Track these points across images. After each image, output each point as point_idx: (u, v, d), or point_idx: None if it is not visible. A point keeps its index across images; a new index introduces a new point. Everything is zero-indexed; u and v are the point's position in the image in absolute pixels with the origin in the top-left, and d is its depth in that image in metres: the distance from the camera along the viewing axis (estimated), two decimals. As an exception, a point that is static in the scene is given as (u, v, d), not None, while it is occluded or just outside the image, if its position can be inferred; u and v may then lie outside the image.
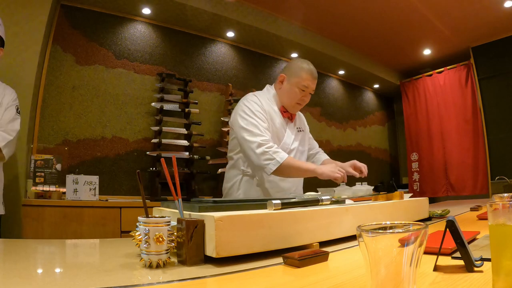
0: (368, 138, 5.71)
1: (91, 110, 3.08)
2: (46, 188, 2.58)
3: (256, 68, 4.29)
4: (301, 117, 1.93)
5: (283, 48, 4.35)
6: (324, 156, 2.01)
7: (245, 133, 1.58)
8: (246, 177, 1.72)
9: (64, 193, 2.53)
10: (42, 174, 2.60)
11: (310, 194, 1.26)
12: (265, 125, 1.60)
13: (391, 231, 0.39)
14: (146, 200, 0.92)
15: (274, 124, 1.68)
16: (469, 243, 0.75)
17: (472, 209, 1.84)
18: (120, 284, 0.63)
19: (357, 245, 0.41)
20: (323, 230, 0.97)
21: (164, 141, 3.23)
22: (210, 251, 0.77)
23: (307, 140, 1.90)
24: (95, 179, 2.58)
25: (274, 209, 0.92)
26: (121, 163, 3.17)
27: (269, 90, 1.79)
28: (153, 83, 3.44)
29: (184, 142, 3.37)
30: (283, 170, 1.53)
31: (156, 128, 3.25)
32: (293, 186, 1.81)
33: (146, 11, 3.37)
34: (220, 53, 3.99)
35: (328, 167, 1.53)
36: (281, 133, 1.71)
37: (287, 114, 1.75)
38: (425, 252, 0.50)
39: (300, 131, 1.83)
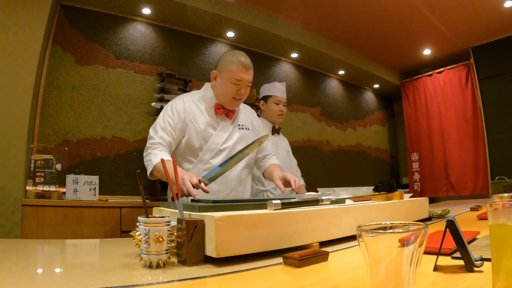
0: (368, 138, 5.71)
1: (91, 110, 3.08)
2: (46, 188, 2.58)
3: (256, 68, 4.23)
4: (248, 115, 1.81)
5: (283, 48, 4.35)
6: (272, 160, 1.85)
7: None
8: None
9: (64, 193, 2.53)
10: (42, 174, 2.59)
11: (310, 194, 1.26)
12: (168, 128, 1.54)
13: (391, 231, 0.39)
14: (146, 200, 0.92)
15: (197, 125, 1.60)
16: (469, 243, 0.75)
17: (472, 209, 1.84)
18: (120, 284, 0.63)
19: (357, 245, 0.41)
20: (323, 230, 0.97)
21: (164, 141, 3.23)
22: (210, 251, 0.77)
23: (253, 139, 1.73)
24: (95, 179, 2.58)
25: (274, 209, 0.92)
26: (121, 163, 3.17)
27: (205, 88, 1.71)
28: (153, 83, 3.44)
29: (184, 142, 3.37)
30: (156, 174, 1.46)
31: (156, 128, 3.25)
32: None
33: (146, 11, 3.37)
34: (220, 53, 3.98)
35: (191, 175, 1.27)
36: (208, 133, 1.61)
37: (222, 111, 1.64)
38: (425, 252, 0.50)
39: (243, 129, 1.71)
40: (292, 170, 2.50)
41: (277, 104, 2.39)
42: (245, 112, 1.80)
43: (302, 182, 2.64)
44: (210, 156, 1.59)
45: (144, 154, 1.54)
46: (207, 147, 1.59)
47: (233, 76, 1.56)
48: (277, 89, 2.44)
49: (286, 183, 1.58)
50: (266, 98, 2.44)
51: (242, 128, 1.71)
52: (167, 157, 1.46)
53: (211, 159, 1.59)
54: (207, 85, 1.71)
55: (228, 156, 1.59)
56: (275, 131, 2.46)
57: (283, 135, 2.61)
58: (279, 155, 2.33)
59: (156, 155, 1.46)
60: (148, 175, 1.52)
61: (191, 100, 1.65)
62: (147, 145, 1.54)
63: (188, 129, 1.59)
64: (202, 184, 1.27)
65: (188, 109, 1.61)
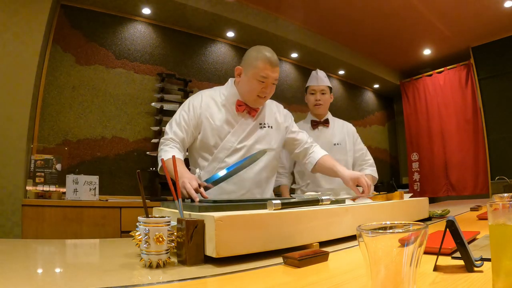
0: (368, 138, 5.70)
1: (91, 110, 3.08)
2: (46, 188, 2.58)
3: None
4: (272, 112, 1.68)
5: (283, 48, 4.35)
6: (320, 152, 1.70)
7: None
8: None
9: (64, 193, 2.53)
10: (42, 174, 2.59)
11: (310, 194, 1.26)
12: (182, 123, 1.51)
13: (391, 231, 0.39)
14: (146, 200, 0.91)
15: (213, 122, 1.54)
16: (469, 243, 0.75)
17: (472, 209, 1.84)
18: (120, 284, 0.63)
19: (357, 245, 0.41)
20: (323, 230, 0.97)
21: (164, 141, 3.23)
22: (210, 251, 0.77)
23: (277, 138, 1.66)
24: (95, 179, 2.58)
25: (274, 209, 0.91)
26: (121, 163, 3.17)
27: (227, 84, 1.64)
28: (153, 83, 3.44)
29: (184, 142, 3.36)
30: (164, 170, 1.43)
31: (156, 128, 3.25)
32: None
33: (146, 11, 3.37)
34: (220, 53, 3.99)
35: (191, 178, 1.25)
36: (224, 131, 1.54)
37: (244, 108, 1.56)
38: (425, 252, 0.50)
39: (265, 127, 1.62)
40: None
41: (312, 94, 2.25)
42: (270, 109, 1.68)
43: (369, 171, 2.29)
44: (225, 154, 1.53)
45: (158, 149, 1.54)
46: (223, 145, 1.53)
47: (259, 73, 1.47)
48: (311, 78, 2.31)
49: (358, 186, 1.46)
50: (306, 89, 2.32)
51: (265, 127, 1.61)
52: (177, 154, 1.43)
53: (226, 157, 1.52)
54: (230, 81, 1.63)
55: (244, 156, 1.53)
56: (316, 124, 2.27)
57: (338, 125, 2.38)
58: None
59: (166, 152, 1.45)
60: (158, 170, 1.53)
61: (209, 96, 1.59)
62: (161, 140, 1.53)
63: (203, 125, 1.53)
64: (202, 189, 1.25)
65: (205, 105, 1.55)
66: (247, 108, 1.56)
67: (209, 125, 1.53)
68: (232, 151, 1.53)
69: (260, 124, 1.60)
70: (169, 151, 1.44)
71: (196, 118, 1.53)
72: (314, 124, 2.28)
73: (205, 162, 1.56)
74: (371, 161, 2.38)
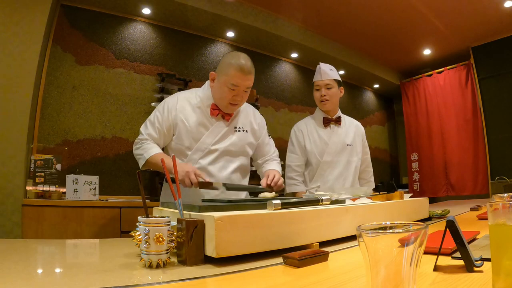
0: (368, 138, 5.67)
1: (91, 110, 3.08)
2: (46, 188, 2.58)
3: (256, 68, 4.21)
4: (248, 116, 1.69)
5: (283, 48, 4.35)
6: (270, 166, 1.71)
7: None
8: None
9: (64, 193, 2.53)
10: (42, 174, 2.59)
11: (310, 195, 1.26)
12: (156, 125, 1.54)
13: (391, 231, 0.39)
14: (146, 200, 0.92)
15: (188, 124, 1.54)
16: (469, 243, 0.75)
17: (472, 209, 1.84)
18: (120, 284, 0.63)
19: (357, 245, 0.41)
20: (323, 230, 0.97)
21: (164, 141, 3.23)
22: (210, 251, 0.77)
23: (250, 143, 1.66)
24: (95, 179, 2.58)
25: (274, 209, 0.91)
26: (121, 163, 3.17)
27: (204, 86, 1.65)
28: (153, 83, 3.44)
29: (184, 142, 3.37)
30: (152, 166, 1.50)
31: (156, 128, 3.25)
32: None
33: (146, 11, 3.37)
34: (220, 53, 3.99)
35: (189, 167, 1.37)
36: (198, 133, 1.54)
37: (218, 112, 1.56)
38: (425, 252, 0.50)
39: (240, 131, 1.62)
40: (349, 167, 2.16)
41: (318, 89, 2.17)
42: (246, 113, 1.69)
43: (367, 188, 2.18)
44: (200, 156, 1.54)
45: (134, 148, 1.57)
46: (197, 147, 1.54)
47: (230, 80, 1.47)
48: (315, 73, 2.20)
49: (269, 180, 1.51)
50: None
51: (239, 130, 1.62)
52: (159, 151, 1.51)
53: (200, 159, 1.54)
54: (207, 83, 1.63)
55: (218, 158, 1.55)
56: (328, 122, 2.20)
57: (350, 124, 2.30)
58: (330, 151, 2.11)
59: (150, 149, 1.50)
60: (141, 167, 1.53)
61: (185, 98, 1.60)
62: (136, 140, 1.56)
63: (178, 127, 1.54)
64: (203, 173, 1.36)
65: (180, 107, 1.56)
66: (221, 112, 1.57)
67: (184, 127, 1.54)
68: (206, 153, 1.54)
69: (235, 127, 1.62)
70: (153, 148, 1.50)
71: (169, 120, 1.54)
72: (326, 122, 2.20)
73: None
74: (372, 173, 2.37)
